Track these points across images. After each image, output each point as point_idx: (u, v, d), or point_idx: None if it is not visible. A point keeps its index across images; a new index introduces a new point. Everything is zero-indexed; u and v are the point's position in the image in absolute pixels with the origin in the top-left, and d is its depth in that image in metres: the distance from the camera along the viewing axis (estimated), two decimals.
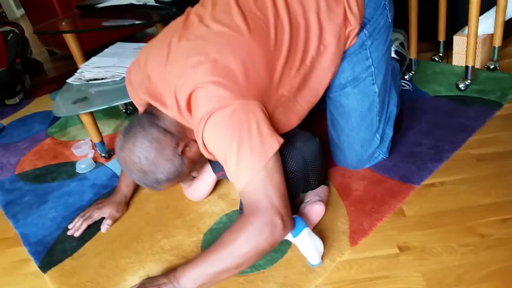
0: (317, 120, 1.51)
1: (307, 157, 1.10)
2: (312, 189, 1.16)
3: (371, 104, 1.21)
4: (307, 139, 1.13)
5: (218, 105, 0.91)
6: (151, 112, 1.03)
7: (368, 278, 0.96)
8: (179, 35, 1.00)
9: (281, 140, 0.94)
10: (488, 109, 1.41)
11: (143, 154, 1.00)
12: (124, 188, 1.33)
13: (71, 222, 1.31)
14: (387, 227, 1.07)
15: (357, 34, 1.12)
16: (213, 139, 0.94)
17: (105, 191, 1.44)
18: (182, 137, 1.03)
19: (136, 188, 1.37)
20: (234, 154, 0.90)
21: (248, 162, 0.91)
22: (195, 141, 1.01)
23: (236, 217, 1.19)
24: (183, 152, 1.03)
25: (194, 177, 1.27)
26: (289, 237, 0.99)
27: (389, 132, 1.28)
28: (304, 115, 1.13)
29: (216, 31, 0.97)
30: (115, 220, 1.29)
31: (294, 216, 1.00)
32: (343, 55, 1.14)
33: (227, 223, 1.19)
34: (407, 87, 1.60)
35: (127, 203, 1.34)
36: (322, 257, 1.00)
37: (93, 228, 1.27)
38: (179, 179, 1.08)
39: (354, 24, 1.09)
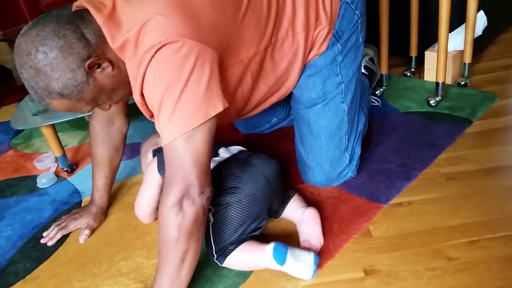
0: (286, 136, 1.48)
1: (268, 176, 1.05)
2: (274, 214, 1.12)
3: (340, 123, 1.19)
4: (264, 159, 1.09)
5: (173, 38, 0.81)
6: (79, 13, 0.90)
7: None
8: None
9: (227, 104, 0.87)
10: (458, 126, 1.40)
11: (43, 48, 0.83)
12: (98, 200, 1.27)
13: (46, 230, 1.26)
14: (353, 249, 1.04)
15: (328, 42, 1.10)
16: (157, 74, 0.83)
17: (65, 208, 1.37)
18: (98, 53, 0.88)
19: (109, 202, 1.32)
20: (174, 99, 0.81)
21: (186, 114, 0.82)
22: (112, 65, 0.90)
23: None
24: (91, 69, 0.88)
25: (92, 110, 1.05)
26: (277, 267, 0.95)
27: (358, 150, 1.25)
28: (261, 100, 1.09)
29: None
30: (93, 230, 1.24)
31: (274, 243, 0.96)
32: (315, 70, 1.13)
33: None
34: (376, 103, 1.58)
35: (105, 213, 1.29)
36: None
37: (50, 248, 1.21)
38: (76, 104, 0.91)
39: (324, 23, 1.07)
